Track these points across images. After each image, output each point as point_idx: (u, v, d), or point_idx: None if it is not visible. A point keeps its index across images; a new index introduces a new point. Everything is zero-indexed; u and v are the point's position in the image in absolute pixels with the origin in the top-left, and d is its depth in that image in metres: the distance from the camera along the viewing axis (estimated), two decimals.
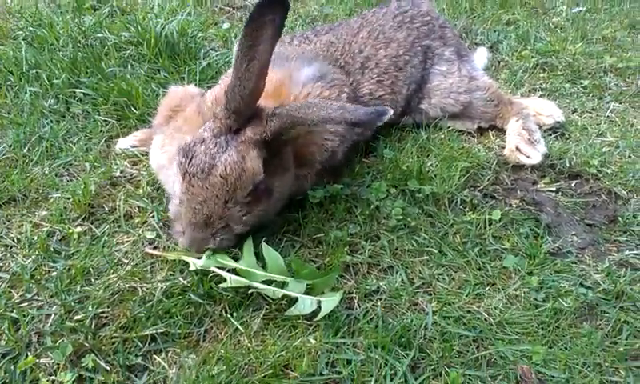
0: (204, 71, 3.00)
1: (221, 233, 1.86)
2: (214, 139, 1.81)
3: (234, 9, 4.18)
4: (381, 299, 1.88)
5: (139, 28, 3.19)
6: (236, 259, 1.88)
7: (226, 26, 3.72)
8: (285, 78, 2.18)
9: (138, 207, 2.18)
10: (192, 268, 1.85)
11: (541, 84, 3.29)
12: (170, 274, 1.89)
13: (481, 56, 3.34)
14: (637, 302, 1.91)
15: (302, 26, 3.88)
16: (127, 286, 1.84)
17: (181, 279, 1.86)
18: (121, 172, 2.35)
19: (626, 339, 1.79)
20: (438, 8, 4.16)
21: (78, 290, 1.83)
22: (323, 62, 2.38)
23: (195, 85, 2.86)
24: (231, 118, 1.82)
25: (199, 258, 1.86)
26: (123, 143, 2.51)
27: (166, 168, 2.06)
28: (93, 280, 1.87)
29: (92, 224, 2.10)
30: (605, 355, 1.74)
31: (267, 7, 1.71)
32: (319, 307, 1.75)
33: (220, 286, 1.81)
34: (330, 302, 1.76)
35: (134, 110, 2.61)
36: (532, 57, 3.55)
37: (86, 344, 1.65)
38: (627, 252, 2.15)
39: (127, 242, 2.03)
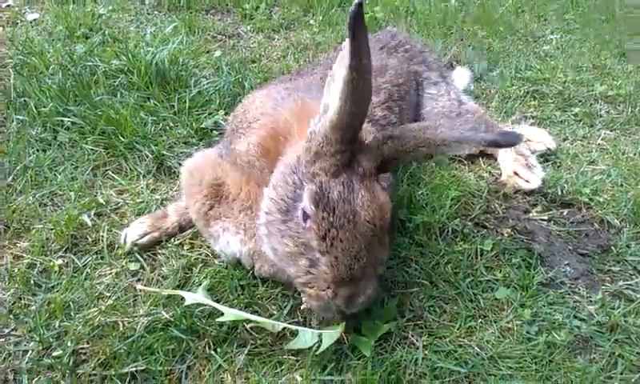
0: (194, 99, 2.98)
1: (370, 281, 1.64)
2: (335, 181, 1.57)
3: (227, 37, 4.18)
4: None
5: (129, 56, 3.18)
6: None
7: (217, 53, 3.72)
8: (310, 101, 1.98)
9: None
10: (188, 302, 1.79)
11: (531, 112, 3.28)
12: (153, 308, 1.83)
13: (462, 76, 3.35)
14: (631, 335, 1.87)
15: (294, 55, 3.88)
16: (108, 320, 1.79)
17: (164, 313, 1.80)
18: (106, 202, 2.30)
19: (621, 374, 1.75)
20: (429, 38, 4.19)
21: (57, 324, 1.78)
22: None
23: (185, 113, 2.85)
24: (345, 151, 1.58)
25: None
26: (132, 234, 2.10)
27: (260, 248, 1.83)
28: (73, 314, 1.82)
29: (74, 255, 2.05)
30: None
31: (360, 16, 1.43)
32: (320, 341, 1.68)
33: (216, 319, 1.75)
34: (331, 334, 1.69)
35: (122, 138, 2.58)
36: (522, 85, 3.55)
37: (63, 382, 1.60)
38: (621, 282, 2.11)
39: (110, 274, 1.98)
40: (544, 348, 1.79)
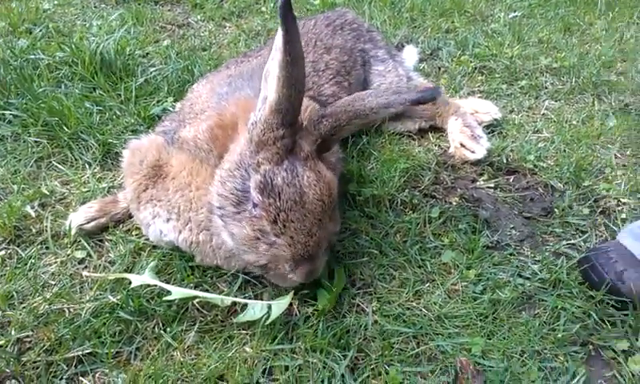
0: (142, 87, 2.94)
1: (324, 253, 1.75)
2: (280, 167, 1.62)
3: (176, 26, 4.13)
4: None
5: (73, 47, 3.11)
6: None
7: (166, 42, 3.67)
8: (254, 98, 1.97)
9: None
10: (134, 284, 1.78)
11: (479, 87, 3.35)
12: (100, 293, 1.81)
13: (410, 54, 3.41)
14: (573, 289, 1.94)
15: (245, 41, 3.86)
16: (53, 308, 1.76)
17: (110, 297, 1.78)
18: (50, 192, 2.25)
19: (564, 325, 1.81)
20: (379, 19, 4.23)
21: (0, 315, 1.73)
22: None
23: (132, 102, 2.81)
24: (285, 136, 1.63)
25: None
26: (78, 218, 2.08)
27: (197, 234, 1.86)
28: (16, 304, 1.78)
29: (18, 247, 2.01)
30: (543, 342, 1.75)
31: (289, 6, 1.51)
32: (269, 312, 1.71)
33: (164, 299, 1.75)
34: (280, 304, 1.71)
35: (66, 129, 2.52)
36: (470, 62, 3.62)
37: (7, 370, 1.57)
38: (564, 242, 2.18)
39: (55, 263, 1.95)
40: (489, 306, 1.84)
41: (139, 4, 4.35)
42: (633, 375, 1.67)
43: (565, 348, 1.74)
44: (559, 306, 1.87)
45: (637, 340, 1.76)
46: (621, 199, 2.41)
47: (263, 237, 1.65)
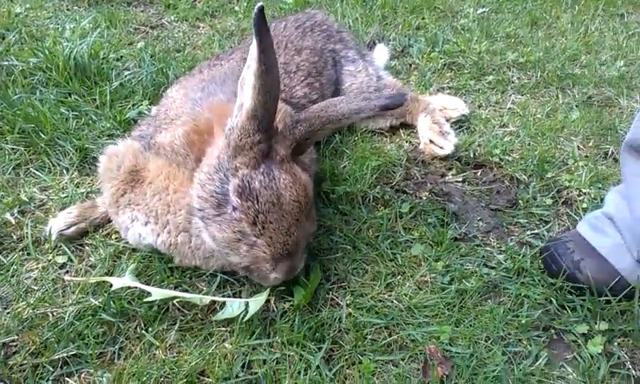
0: (117, 91, 2.97)
1: (302, 251, 1.85)
2: (257, 171, 1.70)
3: (150, 28, 4.15)
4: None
5: (47, 53, 3.13)
6: None
7: (140, 45, 3.69)
8: (227, 103, 2.05)
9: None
10: (115, 287, 1.84)
11: (448, 83, 3.45)
12: (82, 297, 1.86)
13: (381, 53, 3.51)
14: (535, 277, 2.05)
15: (220, 41, 3.91)
16: (37, 312, 1.81)
17: (92, 300, 1.84)
18: (29, 199, 2.29)
19: (527, 311, 1.92)
20: (351, 17, 4.30)
21: None
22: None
23: (107, 106, 2.84)
24: (262, 141, 1.70)
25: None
26: (58, 224, 2.11)
27: (176, 235, 1.91)
28: (1, 310, 1.83)
29: (0, 254, 2.04)
30: (508, 328, 1.86)
31: (263, 18, 1.56)
32: (247, 309, 1.78)
33: (144, 300, 1.81)
34: (257, 301, 1.79)
35: (43, 135, 2.55)
36: (440, 58, 3.72)
37: None
38: (527, 232, 2.29)
39: (37, 268, 1.99)
40: (456, 295, 1.94)
41: (112, 5, 4.36)
42: (592, 356, 1.78)
43: (528, 333, 1.85)
44: (522, 294, 1.98)
45: (595, 323, 1.88)
46: (582, 189, 2.53)
47: (244, 238, 1.73)
